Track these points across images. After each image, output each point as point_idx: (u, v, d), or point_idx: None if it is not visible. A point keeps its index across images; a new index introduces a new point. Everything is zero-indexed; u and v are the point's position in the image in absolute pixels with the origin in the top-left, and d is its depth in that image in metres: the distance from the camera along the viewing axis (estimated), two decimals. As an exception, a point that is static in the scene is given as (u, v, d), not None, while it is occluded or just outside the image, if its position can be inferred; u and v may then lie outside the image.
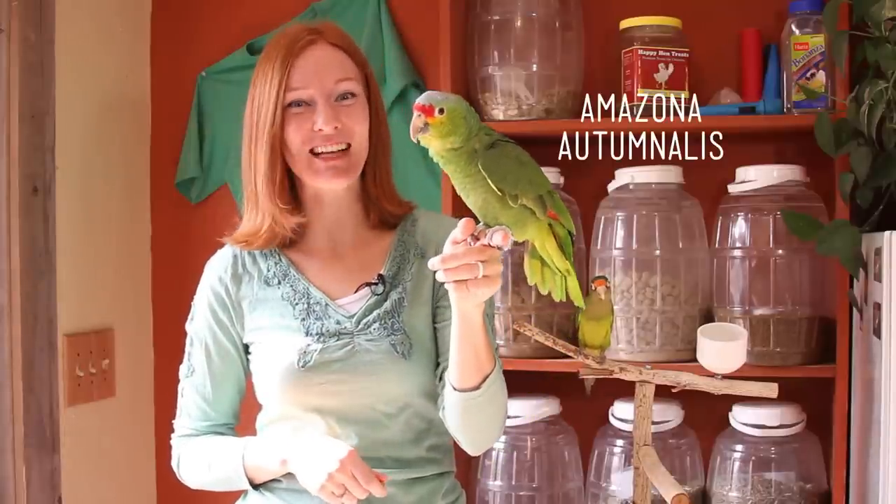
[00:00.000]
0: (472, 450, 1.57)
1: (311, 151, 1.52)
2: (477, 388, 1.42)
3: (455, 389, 1.44)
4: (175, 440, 1.65)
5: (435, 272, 1.55)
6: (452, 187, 2.12)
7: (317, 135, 1.51)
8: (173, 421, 1.67)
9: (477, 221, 1.33)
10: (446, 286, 1.32)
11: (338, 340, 1.53)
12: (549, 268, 1.41)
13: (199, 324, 1.62)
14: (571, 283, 1.43)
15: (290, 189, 1.56)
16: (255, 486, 1.56)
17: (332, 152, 1.51)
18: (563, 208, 1.38)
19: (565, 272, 1.41)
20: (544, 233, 1.37)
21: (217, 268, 1.62)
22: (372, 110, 1.57)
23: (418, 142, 1.32)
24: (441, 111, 1.30)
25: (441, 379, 1.54)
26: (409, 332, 1.54)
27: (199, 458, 1.61)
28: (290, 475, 1.51)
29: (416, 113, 1.31)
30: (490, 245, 1.28)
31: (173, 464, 1.66)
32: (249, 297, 1.59)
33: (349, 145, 1.53)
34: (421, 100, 1.31)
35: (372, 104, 1.57)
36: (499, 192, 1.32)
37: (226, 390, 1.62)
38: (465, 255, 1.28)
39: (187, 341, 1.64)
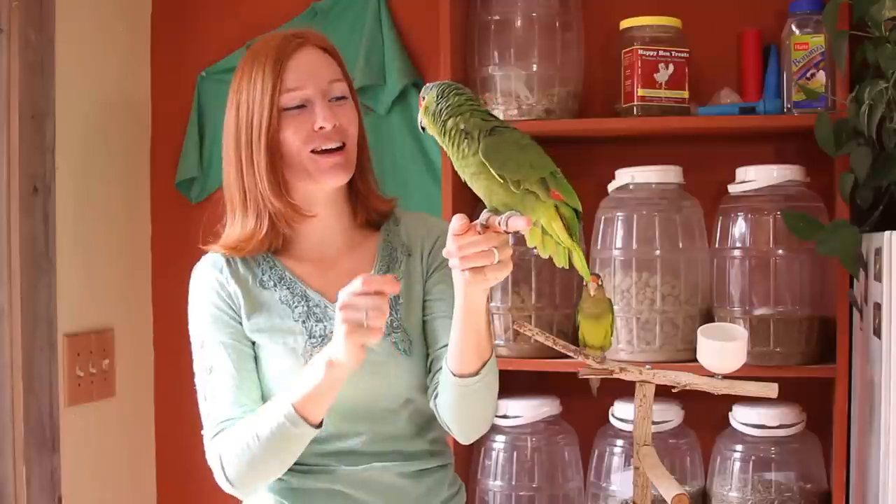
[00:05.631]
0: (463, 438, 1.57)
1: (312, 151, 1.52)
2: (476, 373, 1.44)
3: (454, 375, 1.45)
4: (209, 444, 1.52)
5: (432, 268, 1.60)
6: (452, 187, 2.17)
7: (318, 134, 1.52)
8: (202, 432, 1.53)
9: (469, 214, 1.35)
10: (455, 274, 1.36)
11: None
12: (549, 235, 1.42)
13: (204, 323, 1.57)
14: (577, 259, 1.43)
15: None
16: (319, 426, 1.45)
17: (332, 149, 1.53)
18: (567, 188, 1.39)
19: (570, 247, 1.42)
20: (550, 213, 1.38)
21: (210, 268, 1.59)
22: (358, 113, 1.60)
23: (424, 130, 1.41)
24: (424, 98, 1.40)
25: (431, 370, 1.56)
26: (408, 329, 1.56)
27: (242, 436, 1.47)
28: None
29: None
30: (507, 231, 1.31)
31: (217, 476, 1.50)
32: (247, 297, 1.57)
33: (344, 144, 1.54)
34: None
35: (356, 108, 1.60)
36: (500, 180, 1.33)
37: (250, 374, 1.54)
38: (481, 241, 1.31)
39: (195, 348, 1.57)
